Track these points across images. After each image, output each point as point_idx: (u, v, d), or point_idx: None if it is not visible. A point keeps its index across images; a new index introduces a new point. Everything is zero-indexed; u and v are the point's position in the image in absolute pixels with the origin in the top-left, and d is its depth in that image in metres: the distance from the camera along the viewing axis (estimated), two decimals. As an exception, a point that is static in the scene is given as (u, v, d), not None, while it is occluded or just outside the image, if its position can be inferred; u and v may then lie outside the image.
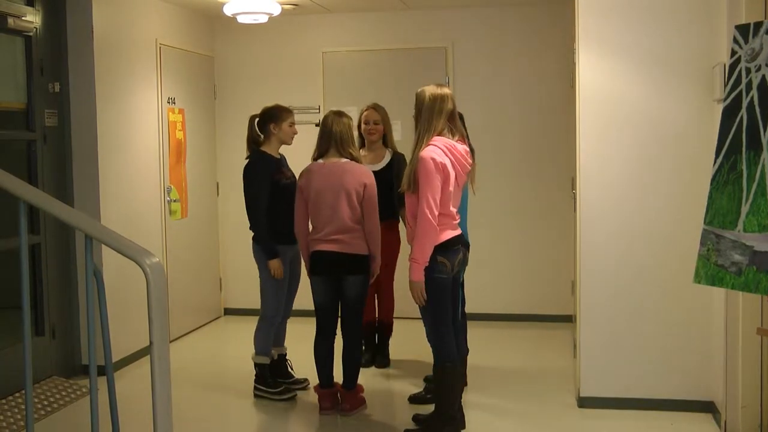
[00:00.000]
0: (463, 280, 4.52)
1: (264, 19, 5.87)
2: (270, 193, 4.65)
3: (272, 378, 4.85)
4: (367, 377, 5.13)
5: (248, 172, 4.71)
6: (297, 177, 4.63)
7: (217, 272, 7.08)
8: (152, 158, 5.91)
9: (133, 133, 5.67)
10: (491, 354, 5.81)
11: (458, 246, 4.02)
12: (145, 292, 2.43)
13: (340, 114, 4.54)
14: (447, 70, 6.72)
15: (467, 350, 4.60)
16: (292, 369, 5.03)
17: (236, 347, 6.27)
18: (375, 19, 6.82)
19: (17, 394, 4.66)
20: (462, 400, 4.27)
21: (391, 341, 5.52)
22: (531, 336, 6.26)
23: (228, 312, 7.16)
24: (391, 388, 5.04)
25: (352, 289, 4.45)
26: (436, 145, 3.87)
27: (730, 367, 4.02)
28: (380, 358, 5.46)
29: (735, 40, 3.05)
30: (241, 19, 5.86)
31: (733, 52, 3.06)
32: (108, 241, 2.53)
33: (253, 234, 4.77)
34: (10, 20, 4.73)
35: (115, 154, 5.43)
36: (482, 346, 6.06)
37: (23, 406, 4.48)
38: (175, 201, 6.21)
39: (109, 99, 5.36)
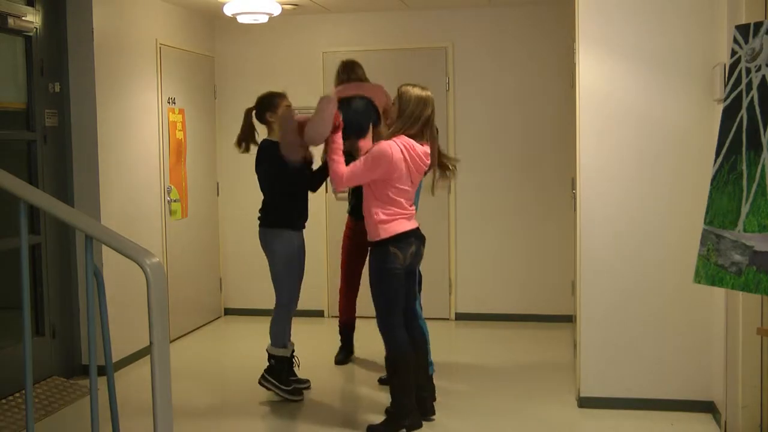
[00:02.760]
0: (420, 274, 4.66)
1: (264, 19, 5.87)
2: (281, 178, 4.62)
3: (286, 374, 4.74)
4: (368, 377, 5.12)
5: (257, 162, 4.71)
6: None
7: (217, 272, 7.08)
8: (152, 158, 5.91)
9: (133, 133, 5.67)
10: (491, 354, 5.81)
11: (411, 238, 4.15)
12: (145, 292, 2.43)
13: None
14: (447, 70, 6.72)
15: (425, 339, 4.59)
16: (297, 366, 4.95)
17: (236, 347, 6.28)
18: (375, 19, 6.82)
19: (17, 394, 4.65)
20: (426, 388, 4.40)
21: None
22: (531, 336, 6.26)
23: (228, 312, 7.16)
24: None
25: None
26: (396, 143, 4.05)
27: (730, 367, 4.02)
28: None
29: (735, 40, 3.05)
30: (241, 19, 5.86)
31: (733, 52, 3.06)
32: (108, 241, 2.53)
33: (262, 220, 4.74)
34: (10, 20, 4.73)
35: (115, 154, 5.43)
36: (482, 346, 6.06)
37: (23, 406, 4.48)
38: (175, 201, 6.21)
39: (109, 99, 5.36)
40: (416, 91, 4.12)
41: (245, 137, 4.81)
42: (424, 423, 4.32)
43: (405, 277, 4.17)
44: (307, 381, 4.96)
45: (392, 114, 4.26)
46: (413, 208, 4.23)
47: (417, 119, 4.11)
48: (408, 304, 4.32)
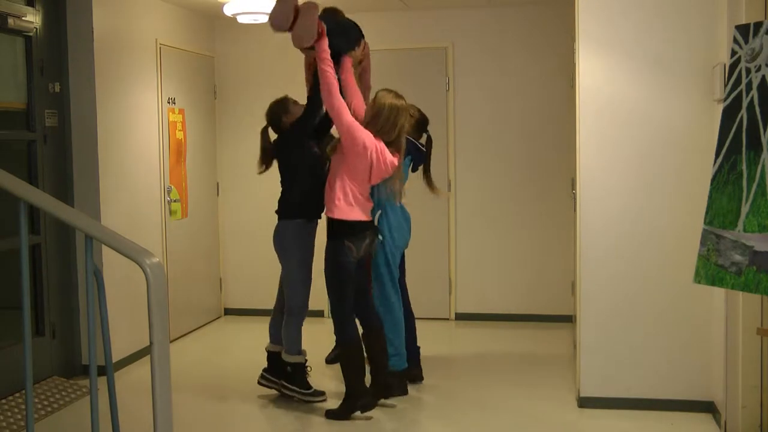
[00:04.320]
0: (404, 259, 4.95)
1: (264, 19, 5.87)
2: (307, 166, 4.61)
3: (304, 378, 4.69)
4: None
5: (281, 148, 4.67)
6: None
7: (217, 272, 7.08)
8: (152, 158, 5.91)
9: (133, 133, 5.67)
10: (491, 354, 5.81)
11: (367, 231, 4.33)
12: (145, 292, 2.43)
13: None
14: (447, 70, 6.72)
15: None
16: (309, 373, 4.82)
17: (236, 347, 6.28)
18: (375, 19, 6.81)
19: (17, 394, 4.66)
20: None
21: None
22: (531, 336, 6.26)
23: (228, 312, 7.16)
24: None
25: None
26: (373, 141, 4.24)
27: (730, 368, 4.02)
28: None
29: (735, 40, 3.06)
30: (241, 19, 5.86)
31: (733, 52, 3.06)
32: (108, 241, 2.53)
33: (287, 213, 4.64)
34: (10, 20, 4.73)
35: (115, 154, 5.43)
36: (482, 345, 6.07)
37: (23, 406, 4.48)
38: (175, 201, 6.21)
39: (109, 99, 5.36)
40: (390, 98, 4.29)
41: (266, 156, 4.78)
42: (424, 422, 4.32)
43: (356, 269, 4.36)
44: (323, 393, 4.73)
45: (366, 114, 4.39)
46: (370, 204, 4.39)
47: (393, 126, 4.28)
48: (361, 295, 4.52)
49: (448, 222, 6.76)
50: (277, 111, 4.75)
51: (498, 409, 4.60)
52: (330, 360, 5.44)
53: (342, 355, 4.46)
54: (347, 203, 4.25)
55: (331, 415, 4.42)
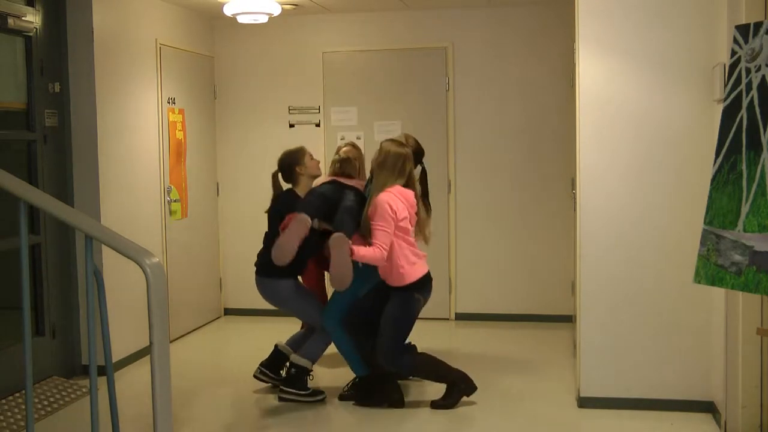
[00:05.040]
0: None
1: (264, 19, 5.87)
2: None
3: (303, 382, 4.69)
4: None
5: (277, 208, 4.78)
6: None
7: (217, 272, 7.09)
8: (152, 158, 5.91)
9: (133, 133, 5.67)
10: (491, 354, 5.81)
11: (431, 283, 4.56)
12: (145, 292, 2.43)
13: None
14: (447, 70, 6.72)
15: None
16: (311, 379, 4.81)
17: (236, 347, 6.28)
18: (375, 19, 6.82)
19: (17, 394, 4.66)
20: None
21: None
22: (531, 336, 6.26)
23: (228, 312, 7.16)
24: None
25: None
26: (390, 192, 4.38)
27: (730, 368, 4.02)
28: None
29: (735, 40, 3.06)
30: (241, 19, 5.86)
31: (733, 52, 3.06)
32: (108, 241, 2.53)
33: (281, 272, 4.64)
34: (10, 20, 4.73)
35: (115, 154, 5.43)
36: (482, 346, 6.07)
37: (23, 406, 4.48)
38: (175, 201, 6.21)
39: (109, 99, 5.36)
40: (394, 147, 4.49)
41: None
42: (424, 421, 4.32)
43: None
44: (323, 392, 4.77)
45: (374, 162, 4.55)
46: (423, 253, 4.55)
47: (402, 172, 4.45)
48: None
49: (448, 222, 6.76)
50: (290, 161, 4.74)
51: (498, 409, 4.60)
52: (343, 396, 5.20)
53: (416, 369, 4.63)
54: (410, 264, 4.42)
55: (438, 405, 4.56)
